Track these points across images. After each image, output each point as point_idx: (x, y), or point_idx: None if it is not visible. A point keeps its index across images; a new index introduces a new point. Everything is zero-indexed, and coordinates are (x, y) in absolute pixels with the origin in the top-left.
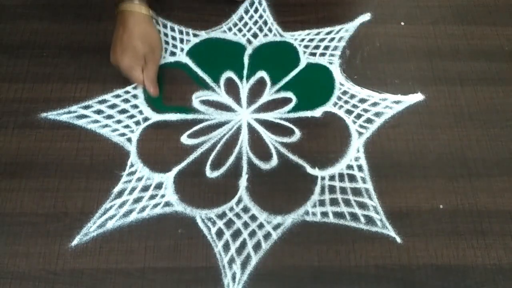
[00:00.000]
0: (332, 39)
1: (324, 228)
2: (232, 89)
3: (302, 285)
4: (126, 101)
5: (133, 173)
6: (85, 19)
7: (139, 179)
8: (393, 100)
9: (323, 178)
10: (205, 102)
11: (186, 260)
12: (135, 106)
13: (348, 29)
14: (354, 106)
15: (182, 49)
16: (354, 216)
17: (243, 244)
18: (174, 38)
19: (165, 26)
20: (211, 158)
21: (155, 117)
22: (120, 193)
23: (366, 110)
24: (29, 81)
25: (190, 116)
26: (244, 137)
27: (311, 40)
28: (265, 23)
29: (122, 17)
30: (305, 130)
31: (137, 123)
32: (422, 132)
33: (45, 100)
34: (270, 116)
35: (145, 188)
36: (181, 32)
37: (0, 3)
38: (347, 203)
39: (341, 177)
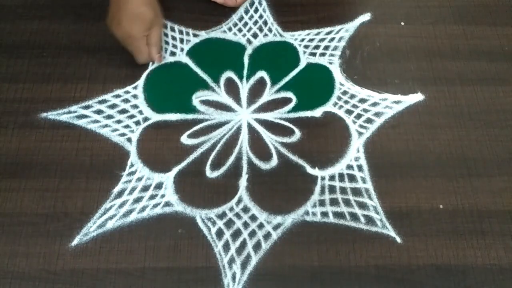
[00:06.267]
0: (332, 39)
1: (324, 228)
2: (232, 89)
3: (302, 285)
4: (126, 101)
5: (133, 173)
6: (85, 19)
7: (139, 179)
8: (393, 100)
9: (323, 178)
10: (205, 102)
11: (186, 260)
12: (135, 106)
13: (348, 29)
14: (354, 106)
15: (182, 49)
16: (354, 216)
17: (243, 244)
18: (174, 38)
19: (165, 26)
20: (211, 158)
21: (155, 117)
22: (120, 193)
23: (366, 110)
24: (29, 81)
25: (190, 116)
26: (244, 137)
27: (311, 40)
28: (265, 23)
29: None
30: (305, 130)
31: (137, 123)
32: (422, 132)
33: (45, 100)
34: (270, 116)
35: (145, 188)
36: (181, 32)
37: (0, 3)
38: (347, 203)
39: (341, 177)
